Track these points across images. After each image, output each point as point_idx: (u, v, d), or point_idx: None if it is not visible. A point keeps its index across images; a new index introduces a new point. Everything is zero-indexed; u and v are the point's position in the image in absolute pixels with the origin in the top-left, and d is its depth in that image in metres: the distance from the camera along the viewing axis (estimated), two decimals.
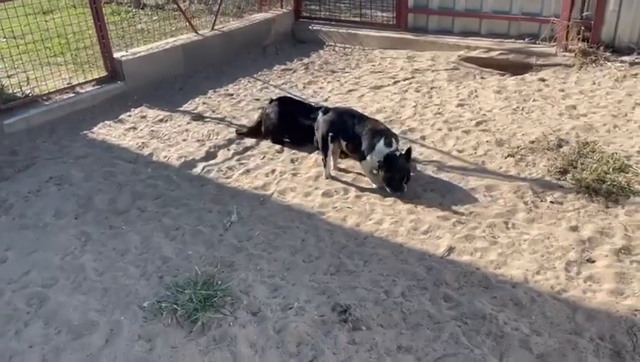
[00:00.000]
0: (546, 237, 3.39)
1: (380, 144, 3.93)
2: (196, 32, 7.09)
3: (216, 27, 7.38)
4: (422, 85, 6.10)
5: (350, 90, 6.13)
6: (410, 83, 6.21)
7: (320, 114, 4.39)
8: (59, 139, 5.13)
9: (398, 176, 3.92)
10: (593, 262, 3.16)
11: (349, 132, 4.13)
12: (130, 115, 5.62)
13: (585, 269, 3.10)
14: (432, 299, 2.97)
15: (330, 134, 4.20)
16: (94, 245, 3.57)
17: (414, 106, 5.55)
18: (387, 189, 3.99)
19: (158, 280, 3.22)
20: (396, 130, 4.99)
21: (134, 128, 5.33)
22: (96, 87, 5.98)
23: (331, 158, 4.29)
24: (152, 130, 5.26)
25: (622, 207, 3.60)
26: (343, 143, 4.20)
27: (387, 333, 2.77)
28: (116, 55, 6.18)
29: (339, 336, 2.77)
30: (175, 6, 7.33)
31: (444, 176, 4.20)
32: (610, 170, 3.89)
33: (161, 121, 5.49)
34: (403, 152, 3.96)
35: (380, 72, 6.69)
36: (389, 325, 2.83)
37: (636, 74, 5.82)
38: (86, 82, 5.97)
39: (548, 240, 3.36)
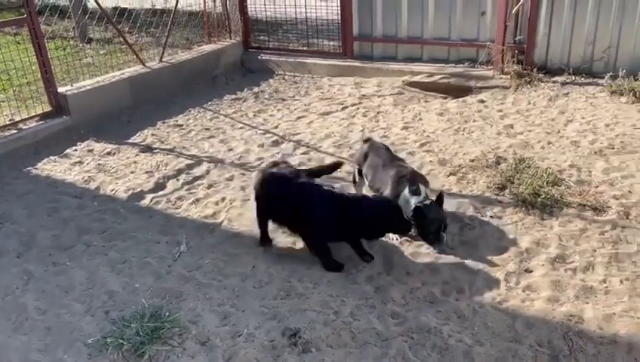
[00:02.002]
0: (489, 250, 3.52)
1: (406, 192, 3.55)
2: (144, 65, 7.09)
3: (164, 59, 7.40)
4: (369, 110, 6.28)
5: (299, 117, 6.24)
6: (358, 108, 6.38)
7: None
8: (1, 177, 4.99)
9: (432, 228, 3.46)
10: (531, 271, 3.30)
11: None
12: (76, 150, 5.53)
13: (523, 279, 3.24)
14: (379, 317, 3.03)
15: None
16: (37, 283, 3.47)
17: (362, 130, 5.70)
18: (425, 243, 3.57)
19: (103, 316, 3.15)
20: (345, 155, 5.13)
21: (80, 162, 5.24)
22: (40, 122, 5.86)
23: None
24: (99, 164, 5.19)
25: (556, 219, 3.79)
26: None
27: (336, 353, 2.80)
28: (61, 89, 6.09)
29: (288, 360, 2.78)
30: (123, 39, 7.31)
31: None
32: (545, 184, 4.09)
33: (108, 154, 5.43)
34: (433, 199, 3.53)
35: (328, 98, 6.85)
36: (338, 345, 2.86)
37: (567, 93, 6.18)
38: (29, 118, 5.84)
39: (491, 254, 3.49)
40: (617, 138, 4.98)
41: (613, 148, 4.78)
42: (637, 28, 6.18)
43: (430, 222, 3.43)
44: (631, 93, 5.83)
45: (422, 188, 3.56)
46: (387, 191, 3.69)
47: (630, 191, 4.06)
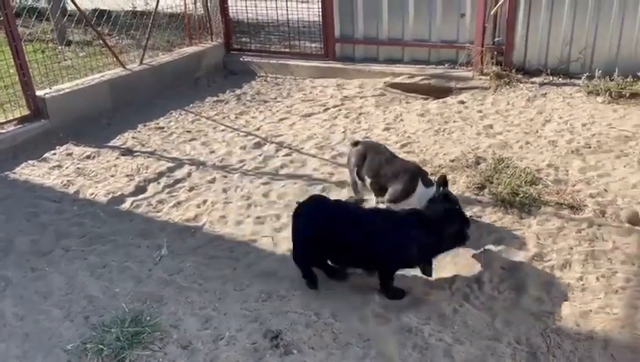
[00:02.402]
0: (467, 249, 3.56)
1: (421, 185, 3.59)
2: (124, 67, 7.02)
3: (145, 61, 7.34)
4: (351, 111, 6.30)
5: (282, 119, 6.24)
6: (340, 110, 6.40)
7: None
8: None
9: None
10: (509, 269, 3.34)
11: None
12: (55, 153, 5.46)
13: (502, 278, 3.27)
14: (361, 318, 3.04)
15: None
16: (15, 289, 3.42)
17: (344, 132, 5.72)
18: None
19: (83, 321, 3.12)
20: (327, 156, 5.15)
21: (59, 166, 5.18)
22: (18, 126, 5.77)
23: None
24: (79, 168, 5.13)
25: (534, 218, 3.84)
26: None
27: (318, 355, 2.81)
28: (39, 93, 6.00)
29: None
30: (102, 41, 7.24)
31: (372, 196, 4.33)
32: (523, 183, 4.15)
33: (88, 157, 5.37)
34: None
35: (310, 100, 6.86)
36: (319, 346, 2.87)
37: (545, 93, 6.28)
38: (7, 122, 5.75)
39: (469, 253, 3.53)
40: (594, 137, 5.08)
41: (590, 148, 4.87)
42: (612, 29, 6.30)
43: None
44: (607, 93, 5.94)
45: (432, 178, 3.68)
46: (399, 186, 3.69)
47: (606, 190, 4.13)
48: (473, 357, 2.71)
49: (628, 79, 6.03)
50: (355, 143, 4.21)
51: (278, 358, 2.80)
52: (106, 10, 7.88)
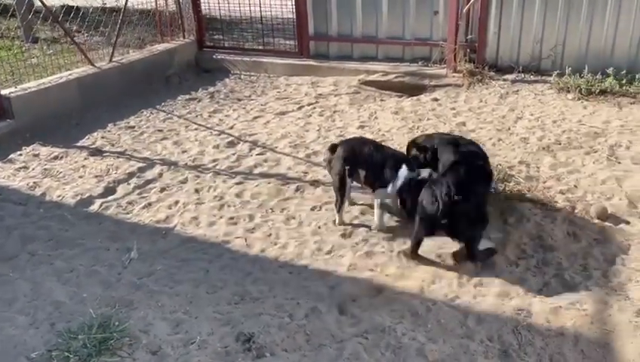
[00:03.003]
0: (440, 247, 3.56)
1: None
2: (93, 65, 6.86)
3: (115, 59, 7.18)
4: (325, 109, 6.27)
5: (256, 117, 6.18)
6: (314, 108, 6.36)
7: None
8: None
9: None
10: (482, 267, 3.36)
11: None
12: (20, 154, 5.30)
13: (475, 276, 3.29)
14: (334, 318, 3.02)
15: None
16: None
17: (318, 130, 5.69)
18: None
19: (49, 328, 3.03)
20: (301, 154, 5.11)
21: (25, 168, 5.03)
22: None
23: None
24: (46, 169, 4.99)
25: (508, 215, 3.87)
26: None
27: (291, 357, 2.78)
28: (4, 92, 5.82)
29: None
30: (70, 38, 7.05)
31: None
32: (495, 180, 4.18)
33: (55, 158, 5.22)
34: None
35: (285, 98, 6.80)
36: (292, 349, 2.83)
37: (517, 90, 6.35)
38: None
39: (442, 250, 3.54)
40: (564, 134, 5.15)
41: (560, 144, 4.94)
42: (582, 27, 6.39)
43: None
44: (577, 90, 6.03)
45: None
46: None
47: (576, 186, 4.19)
48: (446, 356, 2.71)
49: (597, 76, 6.13)
50: (333, 147, 4.03)
51: (250, 361, 2.76)
52: (74, 7, 7.67)
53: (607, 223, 3.71)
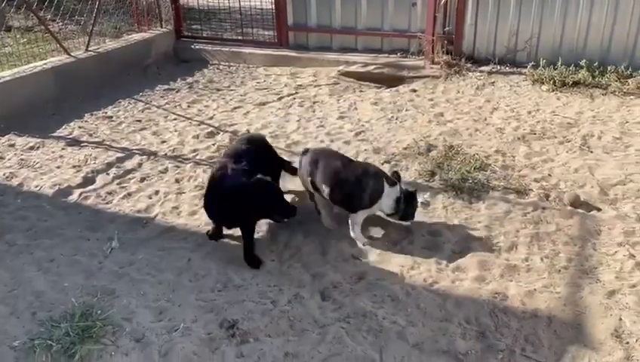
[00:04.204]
0: (421, 234, 3.64)
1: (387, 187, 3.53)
2: (68, 54, 6.75)
3: (91, 48, 7.08)
4: (305, 100, 6.30)
5: (235, 108, 6.17)
6: (294, 98, 6.39)
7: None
8: None
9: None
10: (460, 253, 3.45)
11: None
12: None
13: (453, 261, 3.38)
14: (317, 304, 3.07)
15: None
16: None
17: (298, 120, 5.71)
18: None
19: (30, 317, 3.01)
20: (282, 144, 5.13)
21: (1, 158, 4.94)
22: None
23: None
24: (22, 159, 4.91)
25: (483, 202, 3.97)
26: None
27: (274, 342, 2.82)
28: None
29: (226, 352, 2.77)
30: (44, 27, 6.92)
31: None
32: (472, 169, 4.28)
33: (31, 148, 5.15)
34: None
35: (264, 88, 6.81)
36: (276, 334, 2.88)
37: (494, 82, 6.47)
38: None
39: (424, 239, 3.62)
40: (538, 124, 5.28)
41: (535, 134, 5.07)
42: (556, 19, 6.53)
43: (416, 204, 3.65)
44: (551, 82, 6.18)
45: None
46: (365, 192, 3.48)
47: (550, 175, 4.31)
48: (426, 338, 2.79)
49: (570, 68, 6.29)
50: (305, 151, 3.84)
51: (234, 347, 2.80)
52: None
53: (579, 210, 3.83)
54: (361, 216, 3.57)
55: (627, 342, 2.71)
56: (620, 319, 2.84)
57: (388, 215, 3.63)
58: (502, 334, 2.80)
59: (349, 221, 3.61)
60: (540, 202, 3.93)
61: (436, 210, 3.93)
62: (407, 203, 3.55)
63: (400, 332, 2.83)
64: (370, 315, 2.95)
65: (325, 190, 3.55)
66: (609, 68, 6.24)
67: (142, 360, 2.72)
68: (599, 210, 3.84)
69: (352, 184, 3.48)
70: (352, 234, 3.61)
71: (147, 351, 2.77)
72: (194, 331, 2.90)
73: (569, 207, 3.86)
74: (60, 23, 8.25)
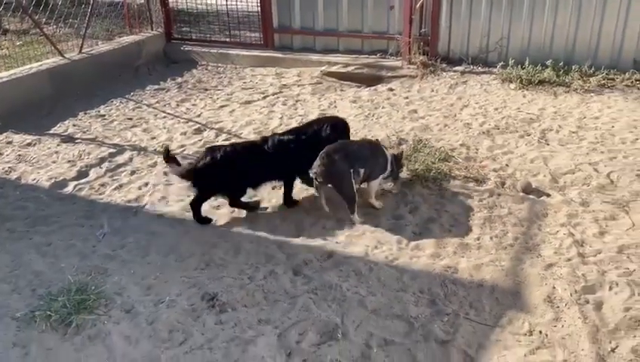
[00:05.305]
0: (386, 219, 4.01)
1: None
2: (63, 56, 7.08)
3: (84, 50, 7.41)
4: (288, 99, 6.66)
5: (222, 106, 6.52)
6: (278, 97, 6.74)
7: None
8: None
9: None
10: (420, 234, 3.82)
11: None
12: None
13: (413, 241, 3.75)
14: (289, 279, 3.43)
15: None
16: None
17: (281, 118, 6.07)
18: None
19: (30, 293, 3.34)
20: None
21: (0, 154, 5.27)
22: None
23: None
24: (20, 155, 5.25)
25: (445, 190, 4.34)
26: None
27: (250, 311, 3.17)
28: None
29: (207, 320, 3.12)
30: (39, 30, 7.24)
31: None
32: (436, 160, 4.65)
33: (28, 145, 5.48)
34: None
35: (250, 88, 7.16)
36: (251, 304, 3.23)
37: (466, 81, 6.85)
38: None
39: (389, 222, 3.98)
40: (503, 120, 5.66)
41: (499, 129, 5.45)
42: (524, 21, 6.93)
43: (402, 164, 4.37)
44: (518, 80, 6.57)
45: None
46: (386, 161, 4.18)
47: (507, 165, 4.70)
48: (382, 305, 3.15)
49: (537, 67, 6.69)
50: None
51: (214, 316, 3.14)
52: None
53: (530, 196, 4.21)
54: (379, 182, 4.17)
55: (557, 306, 3.08)
56: (554, 287, 3.22)
57: (385, 178, 4.20)
58: (450, 301, 3.17)
59: (370, 191, 4.16)
60: (496, 189, 4.31)
61: (405, 196, 4.29)
62: (397, 163, 4.23)
63: (360, 301, 3.19)
64: (335, 287, 3.31)
65: (360, 170, 3.98)
66: (573, 67, 6.65)
67: (131, 327, 3.07)
68: (548, 195, 4.22)
69: (371, 159, 4.08)
70: (375, 203, 4.15)
71: (136, 321, 3.11)
72: (178, 303, 3.25)
73: (521, 193, 4.24)
74: (55, 26, 8.56)
